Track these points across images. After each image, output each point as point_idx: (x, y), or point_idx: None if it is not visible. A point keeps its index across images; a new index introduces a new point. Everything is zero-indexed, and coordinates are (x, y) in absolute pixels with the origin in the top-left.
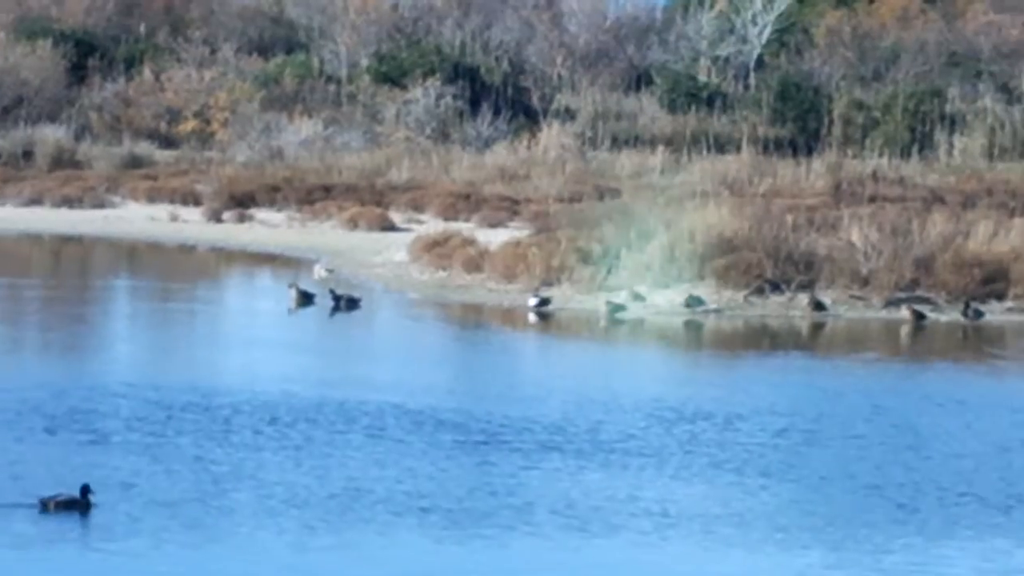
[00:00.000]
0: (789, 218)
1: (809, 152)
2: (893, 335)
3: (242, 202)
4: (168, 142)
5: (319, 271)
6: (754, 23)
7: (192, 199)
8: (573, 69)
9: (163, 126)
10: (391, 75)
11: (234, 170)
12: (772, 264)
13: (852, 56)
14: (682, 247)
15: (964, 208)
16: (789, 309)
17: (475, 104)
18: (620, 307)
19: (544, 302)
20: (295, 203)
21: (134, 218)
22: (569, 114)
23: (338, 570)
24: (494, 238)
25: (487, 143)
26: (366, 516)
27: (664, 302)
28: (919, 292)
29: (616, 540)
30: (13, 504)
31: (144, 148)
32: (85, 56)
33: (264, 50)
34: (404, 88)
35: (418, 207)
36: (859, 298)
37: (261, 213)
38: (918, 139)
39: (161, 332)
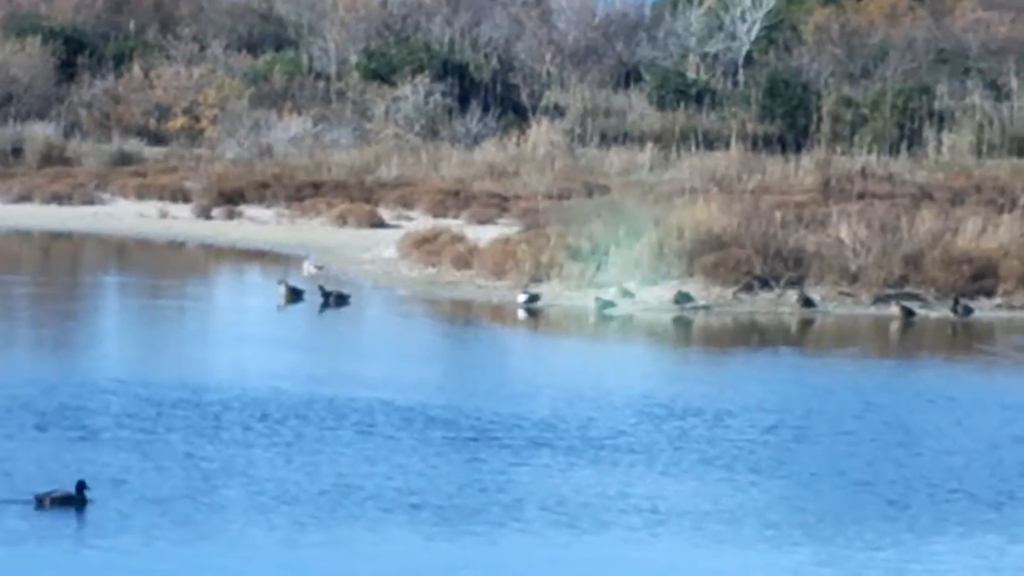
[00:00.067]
0: (778, 215)
1: (798, 149)
2: (882, 332)
3: (231, 199)
4: (157, 139)
5: (308, 268)
6: (743, 20)
7: (181, 196)
8: (562, 66)
9: (152, 123)
10: (380, 72)
11: (223, 167)
12: (761, 261)
13: (840, 53)
14: (671, 244)
15: (953, 205)
16: (778, 306)
17: (464, 101)
18: (609, 304)
19: (533, 299)
20: (284, 200)
21: (123, 215)
22: (558, 111)
23: (328, 566)
24: (483, 235)
25: (476, 140)
26: (356, 513)
27: (653, 299)
28: (908, 289)
29: (606, 536)
30: (5, 500)
31: (133, 145)
32: (74, 53)
33: (253, 47)
34: (393, 85)
35: (407, 204)
36: (848, 295)
37: (250, 210)
38: (907, 136)
39: (151, 329)
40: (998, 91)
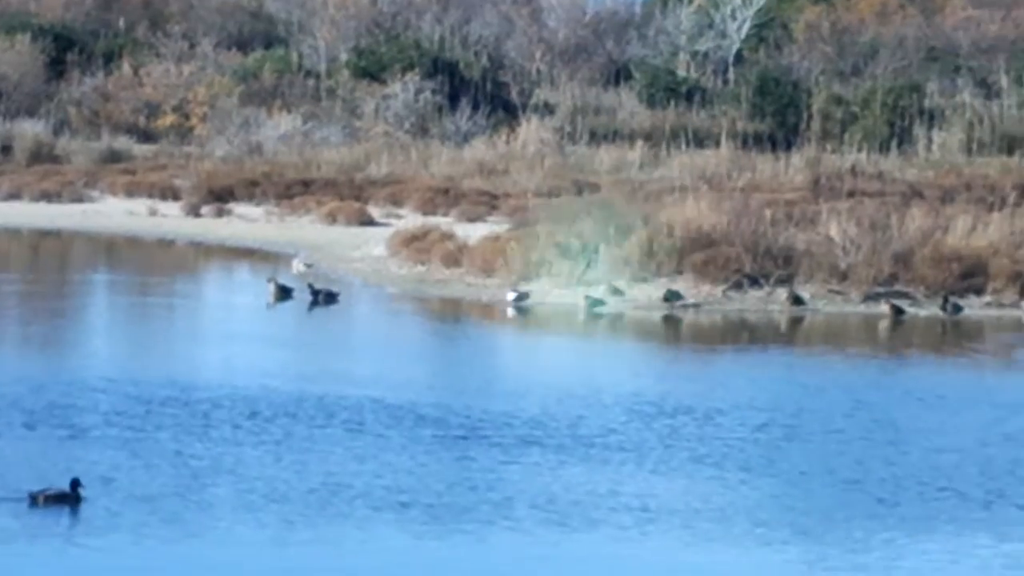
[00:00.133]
0: (768, 213)
1: (788, 147)
2: (872, 330)
3: (221, 197)
4: (147, 137)
5: (298, 266)
6: (733, 18)
7: (171, 194)
8: (552, 64)
9: (142, 121)
10: (370, 70)
11: (213, 165)
12: (751, 259)
13: (831, 51)
14: (661, 242)
15: (943, 203)
16: (768, 304)
17: (454, 99)
18: (599, 302)
19: (522, 297)
20: (274, 198)
21: (113, 212)
22: (548, 109)
23: (317, 565)
24: (473, 233)
25: (466, 138)
26: (345, 511)
27: (643, 297)
28: (898, 287)
29: (596, 535)
30: None
31: (123, 143)
32: (64, 51)
33: (243, 45)
34: (383, 83)
35: (397, 202)
36: (838, 293)
37: (240, 208)
38: (897, 134)
39: (140, 327)
40: (988, 89)
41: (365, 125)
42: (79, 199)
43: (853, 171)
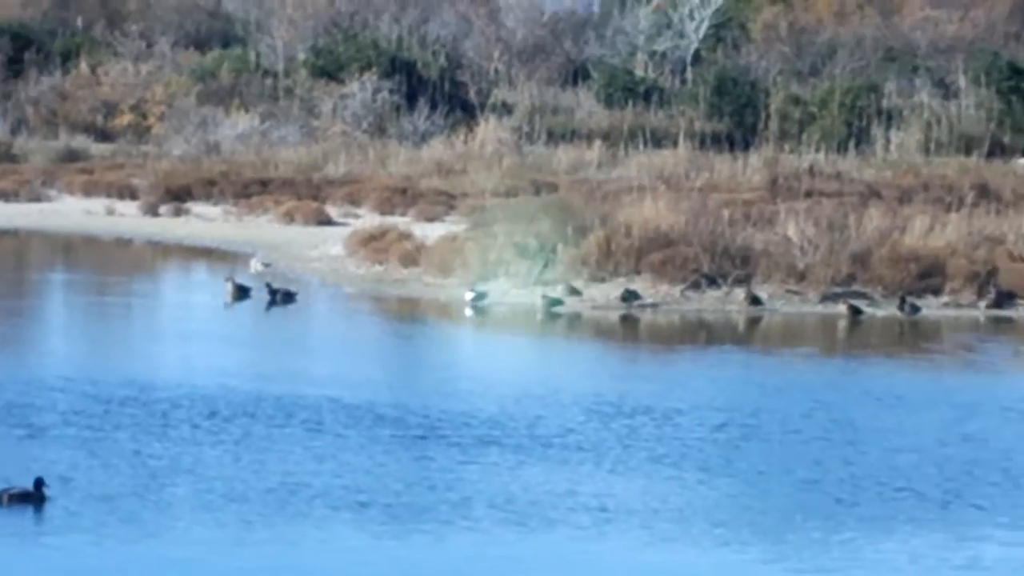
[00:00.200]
0: (726, 213)
1: (746, 147)
2: (830, 330)
3: (178, 196)
4: (104, 136)
5: (255, 265)
6: (691, 18)
7: (128, 193)
8: (510, 64)
9: (99, 120)
10: (328, 69)
11: (170, 164)
12: (709, 259)
13: (789, 51)
14: (618, 241)
15: (900, 203)
16: (725, 304)
17: (412, 98)
18: (557, 301)
19: (480, 296)
20: (231, 197)
21: (70, 212)
22: (506, 108)
23: (276, 564)
24: (431, 232)
25: (424, 137)
26: (304, 511)
27: (600, 296)
28: (855, 287)
29: (554, 535)
30: None
31: (80, 142)
32: (21, 49)
33: (201, 44)
34: (341, 82)
35: (355, 201)
36: (796, 293)
37: (197, 207)
38: (855, 134)
39: (98, 326)
40: (946, 89)
41: (323, 124)
42: (37, 198)
43: (811, 171)
